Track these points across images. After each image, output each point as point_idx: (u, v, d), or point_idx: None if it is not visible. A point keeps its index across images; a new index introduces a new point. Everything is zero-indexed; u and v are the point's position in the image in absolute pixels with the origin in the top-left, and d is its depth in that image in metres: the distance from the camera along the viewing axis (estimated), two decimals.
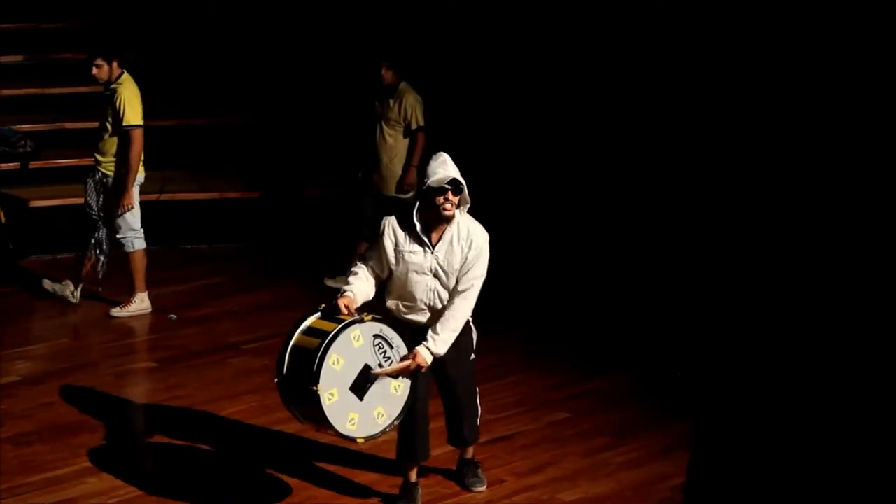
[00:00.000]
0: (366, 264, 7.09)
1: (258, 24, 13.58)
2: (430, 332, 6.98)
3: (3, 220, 11.17)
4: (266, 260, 12.08)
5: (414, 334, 7.01)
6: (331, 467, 7.83)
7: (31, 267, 11.45)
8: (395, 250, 7.00)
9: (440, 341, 6.96)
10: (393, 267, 7.02)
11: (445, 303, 7.04)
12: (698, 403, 8.89)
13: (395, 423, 6.91)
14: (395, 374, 6.86)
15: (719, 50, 11.04)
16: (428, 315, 7.07)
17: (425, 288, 7.02)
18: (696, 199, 11.29)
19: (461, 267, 6.99)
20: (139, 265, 10.47)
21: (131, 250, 10.42)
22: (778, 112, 10.73)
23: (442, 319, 7.00)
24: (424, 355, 6.93)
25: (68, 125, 12.65)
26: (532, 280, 11.04)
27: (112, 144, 10.28)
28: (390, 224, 7.04)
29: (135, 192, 10.38)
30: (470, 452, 7.57)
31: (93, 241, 10.54)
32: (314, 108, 13.19)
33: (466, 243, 6.99)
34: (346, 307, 6.85)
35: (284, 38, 13.41)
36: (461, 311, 7.02)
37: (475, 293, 7.04)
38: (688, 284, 10.90)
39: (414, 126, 10.67)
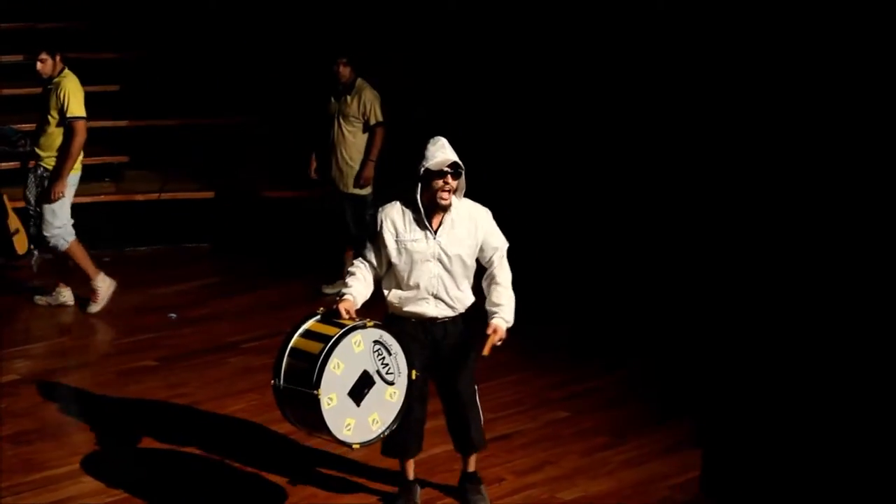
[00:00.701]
0: (364, 262, 7.02)
1: (257, 23, 13.57)
2: (491, 306, 7.00)
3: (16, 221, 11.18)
4: (266, 259, 12.09)
5: (417, 327, 7.00)
6: (330, 467, 7.84)
7: (32, 265, 11.43)
8: (397, 241, 6.95)
9: (507, 310, 7.00)
10: (394, 259, 6.96)
11: (450, 291, 7.01)
12: (700, 402, 8.89)
13: (390, 429, 6.86)
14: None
15: (719, 50, 11.03)
16: (432, 305, 7.01)
17: (429, 275, 6.97)
18: (695, 198, 11.29)
19: (473, 248, 6.99)
20: (80, 254, 10.44)
21: (65, 247, 10.38)
22: (778, 112, 10.73)
23: (495, 293, 7.02)
24: (502, 325, 6.97)
25: None
26: (531, 278, 11.04)
27: (55, 138, 10.28)
28: (388, 216, 6.98)
29: (69, 185, 10.31)
30: (472, 465, 7.43)
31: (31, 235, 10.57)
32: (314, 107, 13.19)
33: (471, 223, 6.98)
34: (347, 311, 6.78)
35: (281, 36, 13.40)
36: (507, 281, 7.05)
37: (505, 260, 7.08)
38: (688, 283, 10.90)
39: (373, 122, 10.72)
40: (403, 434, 7.02)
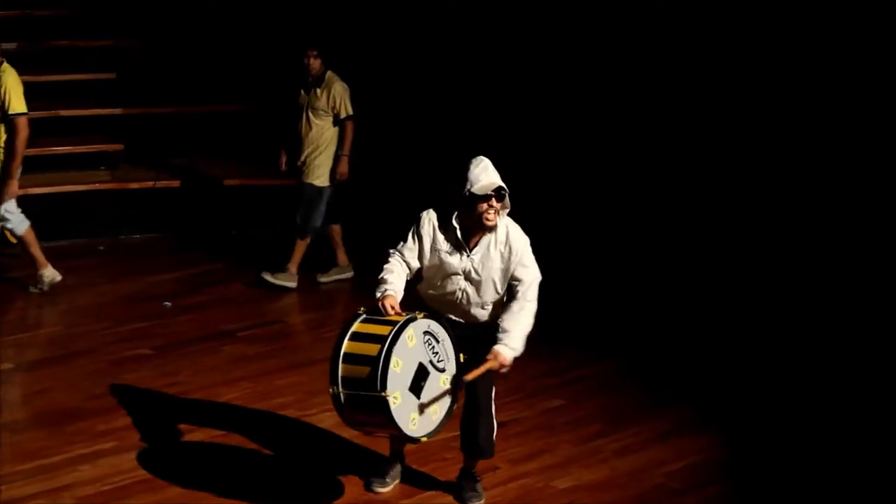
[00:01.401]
0: (401, 256, 6.97)
1: (254, 9, 13.55)
2: (500, 331, 6.91)
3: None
4: (260, 247, 12.07)
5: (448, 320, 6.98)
6: (325, 452, 7.85)
7: (26, 254, 11.42)
8: (432, 247, 6.94)
9: (514, 338, 6.91)
10: (426, 262, 6.96)
11: (472, 305, 7.00)
12: (696, 391, 8.92)
13: (447, 418, 6.87)
14: (481, 375, 6.88)
15: (719, 50, 11.02)
16: (454, 314, 7.03)
17: (455, 287, 6.98)
18: (690, 190, 11.29)
19: (504, 273, 6.93)
20: (31, 241, 10.42)
21: (21, 233, 10.35)
22: (778, 112, 10.72)
23: (510, 318, 6.93)
24: (506, 353, 6.89)
25: (63, 113, 12.63)
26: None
27: None
28: (431, 221, 6.96)
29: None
30: (474, 466, 7.43)
31: None
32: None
33: (505, 249, 6.92)
34: (392, 307, 6.75)
35: (279, 22, 13.38)
36: (528, 308, 6.95)
37: (534, 293, 6.96)
38: (682, 272, 10.90)
39: (343, 115, 10.62)
40: None
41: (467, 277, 6.94)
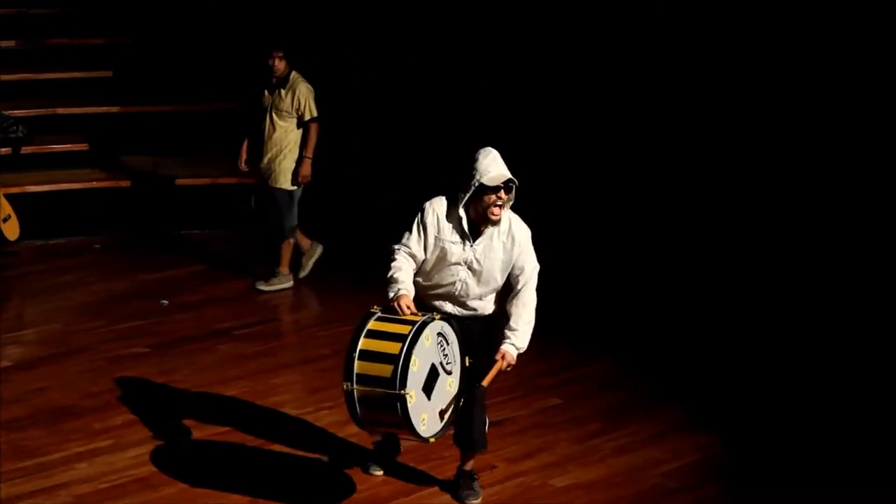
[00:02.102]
0: (406, 250, 6.96)
1: (249, 7, 13.55)
2: (506, 329, 6.95)
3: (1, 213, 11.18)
4: (257, 246, 12.06)
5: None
6: (324, 444, 7.85)
7: (23, 252, 11.43)
8: (437, 237, 6.93)
9: (521, 336, 6.96)
10: (428, 253, 6.96)
11: (470, 296, 7.00)
12: (690, 391, 8.92)
13: (452, 418, 6.89)
14: (494, 377, 6.94)
15: (719, 50, 11.02)
16: (449, 305, 7.02)
17: (454, 277, 6.96)
18: (686, 189, 11.30)
19: (505, 264, 6.96)
20: None
21: None
22: (778, 111, 10.73)
23: (514, 314, 6.96)
24: (512, 352, 6.94)
25: (60, 110, 12.64)
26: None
27: None
28: (434, 211, 6.95)
29: None
30: (469, 464, 7.44)
31: None
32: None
33: (508, 239, 6.95)
34: (408, 307, 6.76)
35: (275, 20, 13.37)
36: (530, 304, 6.99)
37: (534, 284, 7.01)
38: (679, 270, 10.90)
39: (307, 117, 10.45)
40: None
41: (469, 268, 6.95)
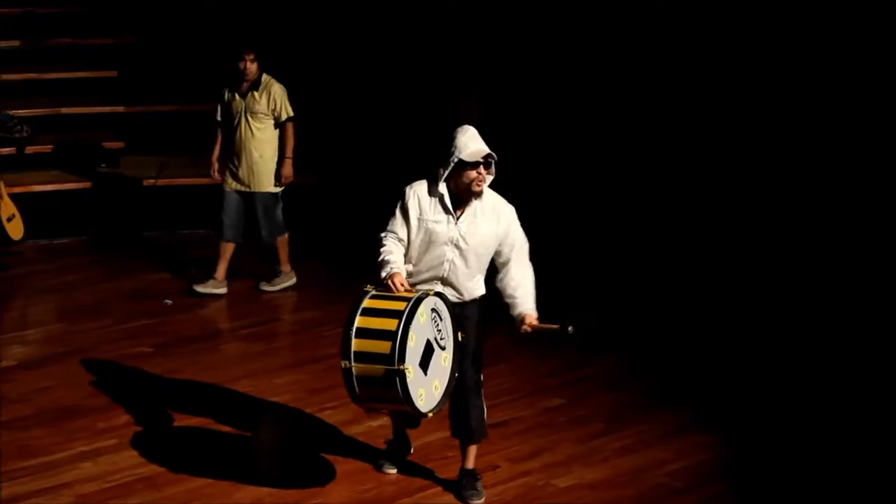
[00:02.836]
0: (394, 235, 7.04)
1: (254, 7, 13.55)
2: (515, 300, 7.06)
3: (5, 213, 11.18)
4: (261, 246, 12.06)
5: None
6: (329, 444, 7.86)
7: (27, 251, 11.45)
8: (419, 219, 7.00)
9: (527, 301, 7.08)
10: (413, 236, 7.03)
11: (459, 276, 7.06)
12: (695, 393, 8.92)
13: (448, 393, 6.96)
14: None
15: (719, 50, 11.02)
16: (438, 287, 7.06)
17: (442, 258, 7.03)
18: (691, 189, 11.29)
19: (492, 241, 7.04)
20: None
21: None
22: (778, 111, 10.73)
23: (518, 288, 7.07)
24: (530, 314, 7.07)
25: (64, 110, 12.65)
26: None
27: None
28: (415, 193, 7.03)
29: None
30: (471, 461, 7.45)
31: None
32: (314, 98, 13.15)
33: (493, 216, 7.04)
34: (402, 284, 6.85)
35: (280, 21, 13.38)
36: (527, 276, 7.12)
37: (527, 256, 7.15)
38: (683, 271, 10.90)
39: (284, 117, 10.35)
40: None
41: (456, 246, 7.02)
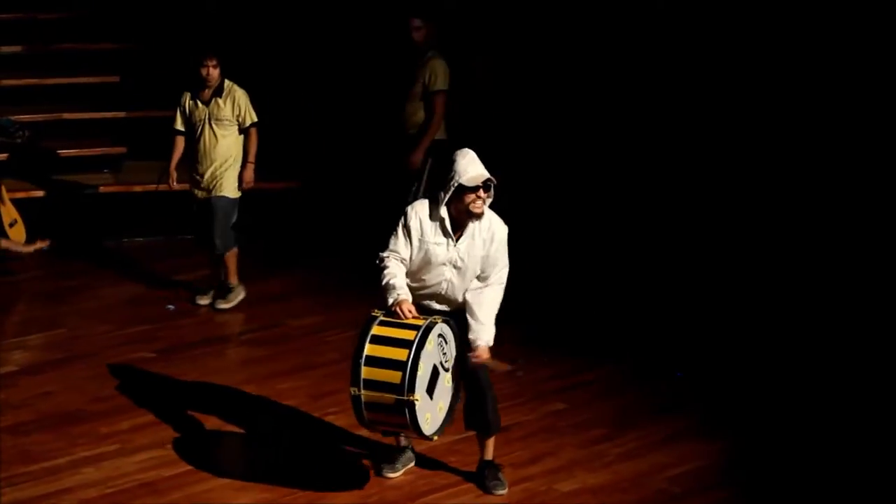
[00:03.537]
0: (395, 255, 7.12)
1: (256, 13, 13.55)
2: (473, 325, 7.10)
3: (7, 218, 11.18)
4: (263, 251, 12.06)
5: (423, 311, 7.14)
6: (332, 449, 7.85)
7: (29, 257, 11.43)
8: (420, 240, 7.09)
9: (487, 331, 7.11)
10: (413, 254, 7.11)
11: (456, 293, 7.16)
12: (696, 397, 8.92)
13: (452, 411, 7.07)
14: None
15: (719, 50, 11.02)
16: (434, 303, 7.18)
17: (440, 278, 7.15)
18: (692, 193, 11.29)
19: (483, 260, 7.13)
20: None
21: None
22: (778, 111, 10.73)
23: (479, 310, 7.12)
24: (484, 348, 7.10)
25: (66, 116, 12.65)
26: (528, 271, 11.02)
27: None
28: (417, 214, 7.11)
29: None
30: (490, 453, 7.54)
31: None
32: (315, 101, 13.15)
33: (489, 236, 7.12)
34: (410, 311, 6.94)
35: (280, 27, 13.38)
36: (496, 300, 7.19)
37: (504, 281, 7.22)
38: (684, 275, 10.90)
39: (248, 122, 10.20)
40: None
41: (454, 266, 7.11)
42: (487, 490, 7.47)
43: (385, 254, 7.14)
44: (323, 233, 11.94)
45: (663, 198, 11.50)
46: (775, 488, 7.74)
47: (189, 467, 7.69)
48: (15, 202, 11.24)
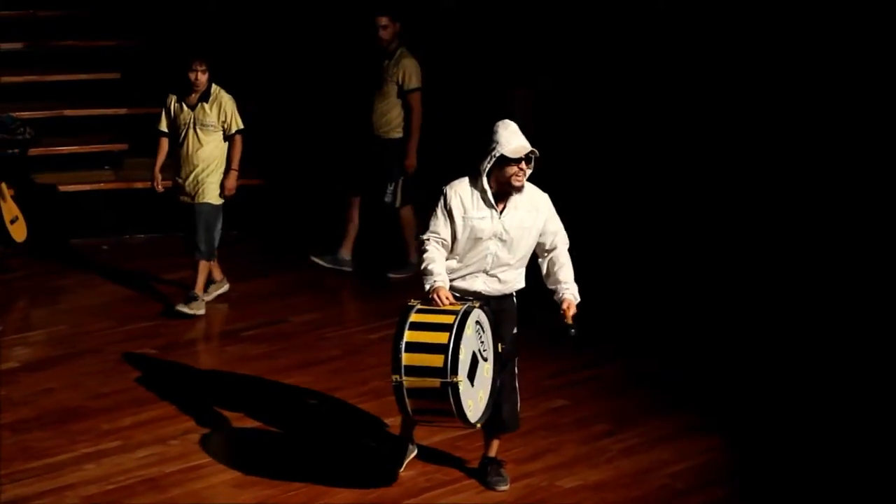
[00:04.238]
0: (436, 239, 7.07)
1: (257, 9, 13.55)
2: (558, 284, 7.20)
3: (8, 216, 11.18)
4: (263, 248, 12.07)
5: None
6: (333, 446, 7.85)
7: (31, 253, 11.44)
8: (464, 217, 7.04)
9: (573, 286, 7.24)
10: (458, 235, 7.06)
11: (502, 268, 7.12)
12: (698, 394, 8.92)
13: (491, 403, 7.03)
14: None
15: (719, 50, 11.02)
16: (481, 280, 7.13)
17: (486, 252, 7.08)
18: (693, 191, 11.30)
19: (535, 232, 7.13)
20: None
21: None
22: (779, 111, 10.73)
23: (561, 272, 7.22)
24: (574, 301, 7.19)
25: (67, 112, 12.65)
26: (531, 268, 11.02)
27: None
28: (457, 193, 7.07)
29: None
30: (494, 450, 7.53)
31: None
32: (319, 100, 13.15)
33: (532, 207, 7.11)
34: (447, 297, 6.92)
35: (281, 24, 13.39)
36: (568, 261, 7.28)
37: (567, 244, 7.28)
38: (686, 273, 10.90)
39: (234, 129, 10.08)
40: None
41: (501, 239, 7.07)
42: (489, 486, 7.47)
43: (426, 236, 7.10)
44: (325, 231, 11.92)
45: (664, 197, 11.49)
46: (776, 485, 7.74)
47: (190, 464, 7.69)
48: (16, 199, 11.24)
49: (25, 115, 12.24)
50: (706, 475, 7.81)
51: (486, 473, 7.50)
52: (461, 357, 6.71)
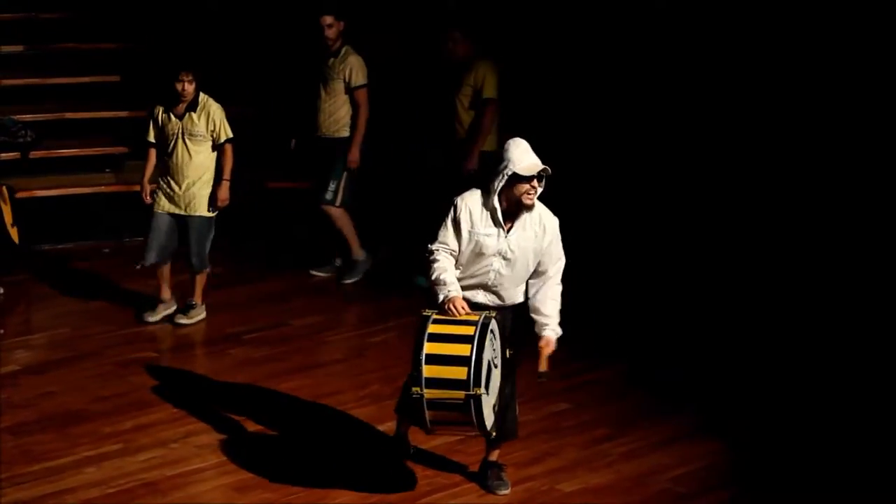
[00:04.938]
0: (445, 248, 7.08)
1: (257, 12, 13.55)
2: (541, 317, 7.13)
3: (9, 218, 11.18)
4: (265, 251, 12.07)
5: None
6: (334, 450, 7.85)
7: (31, 257, 11.44)
8: (470, 231, 7.04)
9: (556, 322, 7.16)
10: (462, 247, 7.07)
11: (505, 287, 7.12)
12: (699, 396, 8.92)
13: (498, 408, 7.03)
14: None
15: (720, 50, 11.02)
16: (481, 294, 7.12)
17: (488, 268, 7.08)
18: (694, 193, 11.28)
19: (537, 253, 7.10)
20: None
21: None
22: (779, 111, 10.72)
23: (546, 304, 7.14)
24: (554, 339, 7.13)
25: (69, 115, 12.64)
26: None
27: None
28: (467, 205, 7.06)
29: None
30: (496, 454, 7.54)
31: None
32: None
33: (540, 228, 7.09)
34: (463, 308, 6.91)
35: (281, 27, 13.38)
36: (558, 294, 7.20)
37: (560, 275, 7.23)
38: (687, 277, 10.89)
39: (223, 138, 9.96)
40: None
41: (503, 257, 7.05)
42: (490, 490, 7.47)
43: (434, 246, 7.09)
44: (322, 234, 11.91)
45: (664, 198, 11.48)
46: (778, 489, 7.74)
47: (191, 467, 7.69)
48: (17, 202, 11.24)
49: (26, 117, 12.25)
50: (707, 479, 7.80)
51: (486, 477, 7.51)
52: (482, 368, 6.73)
